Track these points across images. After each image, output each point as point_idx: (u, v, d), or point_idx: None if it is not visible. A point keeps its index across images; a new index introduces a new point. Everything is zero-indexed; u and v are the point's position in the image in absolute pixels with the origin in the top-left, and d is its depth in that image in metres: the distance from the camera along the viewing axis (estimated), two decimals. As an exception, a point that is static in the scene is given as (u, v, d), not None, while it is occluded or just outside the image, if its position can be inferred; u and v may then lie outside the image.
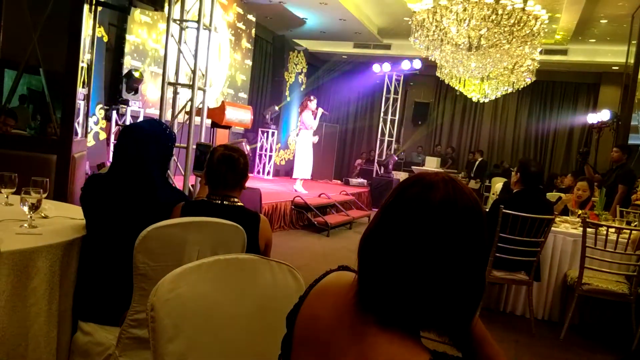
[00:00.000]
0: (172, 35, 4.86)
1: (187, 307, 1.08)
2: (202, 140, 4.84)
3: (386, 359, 0.71)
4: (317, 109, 8.43)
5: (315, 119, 8.40)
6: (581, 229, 3.70)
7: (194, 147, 2.56)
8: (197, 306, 1.10)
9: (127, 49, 7.36)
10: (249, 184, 2.41)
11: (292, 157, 12.88)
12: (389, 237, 0.76)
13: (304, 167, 8.53)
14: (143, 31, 7.68)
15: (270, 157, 10.88)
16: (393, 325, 0.74)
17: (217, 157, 2.04)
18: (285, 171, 12.10)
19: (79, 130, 4.41)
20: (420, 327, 0.76)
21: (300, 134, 8.52)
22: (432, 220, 0.74)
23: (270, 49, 12.14)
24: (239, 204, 2.04)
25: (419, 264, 0.73)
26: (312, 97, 8.54)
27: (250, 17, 10.47)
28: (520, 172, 3.84)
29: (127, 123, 6.88)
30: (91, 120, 6.41)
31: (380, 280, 0.75)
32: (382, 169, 12.27)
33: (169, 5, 4.85)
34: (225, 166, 2.02)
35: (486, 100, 9.57)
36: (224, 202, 2.01)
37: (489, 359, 0.91)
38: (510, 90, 9.02)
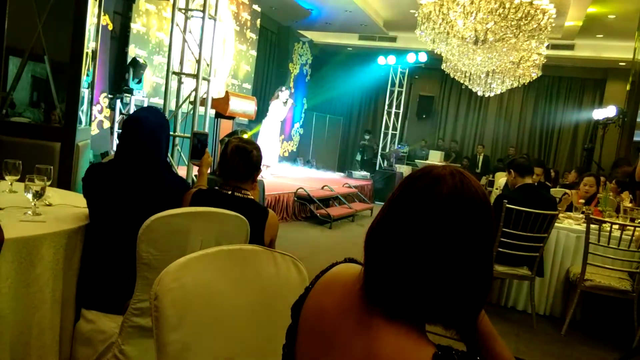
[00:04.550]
0: (177, 25, 4.83)
1: (191, 297, 1.08)
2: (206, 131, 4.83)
3: (392, 351, 0.71)
4: (287, 100, 8.52)
5: (285, 106, 8.46)
6: (585, 225, 3.69)
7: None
8: (201, 296, 1.10)
9: (131, 37, 7.34)
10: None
11: (295, 149, 12.89)
12: (396, 230, 0.76)
13: (267, 155, 8.58)
14: (148, 20, 7.65)
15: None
16: (399, 318, 0.74)
17: (231, 148, 2.07)
18: (288, 162, 12.10)
19: (83, 118, 4.40)
20: (426, 320, 0.75)
21: (265, 123, 8.55)
22: (439, 214, 0.73)
23: (275, 39, 12.06)
24: (249, 196, 2.05)
25: (426, 258, 0.73)
26: (283, 89, 8.60)
27: (256, 7, 10.41)
28: (512, 169, 3.95)
29: (131, 112, 6.87)
30: (95, 108, 6.41)
31: (386, 273, 0.75)
32: (385, 162, 12.25)
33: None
34: (239, 157, 2.04)
35: (491, 95, 9.51)
36: (235, 194, 2.02)
37: (494, 354, 0.91)
38: (515, 84, 8.95)
